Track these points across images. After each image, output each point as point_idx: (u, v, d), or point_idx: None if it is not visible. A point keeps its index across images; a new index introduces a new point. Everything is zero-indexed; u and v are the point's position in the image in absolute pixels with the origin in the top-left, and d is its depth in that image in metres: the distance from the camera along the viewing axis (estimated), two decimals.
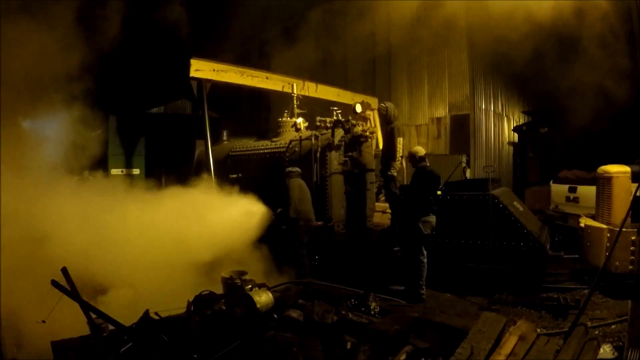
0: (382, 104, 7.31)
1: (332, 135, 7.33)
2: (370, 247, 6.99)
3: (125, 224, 5.37)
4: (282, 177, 6.94)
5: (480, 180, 7.47)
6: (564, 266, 7.10)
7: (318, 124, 7.81)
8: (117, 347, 3.31)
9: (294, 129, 8.46)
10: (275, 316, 4.14)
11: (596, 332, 4.36)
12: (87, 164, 7.22)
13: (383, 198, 8.20)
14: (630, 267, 5.44)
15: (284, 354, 3.37)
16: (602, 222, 6.25)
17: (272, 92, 10.23)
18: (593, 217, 6.74)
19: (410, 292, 5.96)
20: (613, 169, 6.17)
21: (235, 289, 4.54)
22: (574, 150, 11.37)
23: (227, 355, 3.41)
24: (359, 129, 7.49)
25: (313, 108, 9.28)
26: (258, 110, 16.19)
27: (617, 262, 5.57)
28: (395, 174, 7.05)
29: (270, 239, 6.46)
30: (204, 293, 4.25)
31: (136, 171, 13.02)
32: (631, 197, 3.48)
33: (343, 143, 7.44)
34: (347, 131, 7.42)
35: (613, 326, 4.66)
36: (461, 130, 13.22)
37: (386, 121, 7.26)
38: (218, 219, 5.94)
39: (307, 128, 8.46)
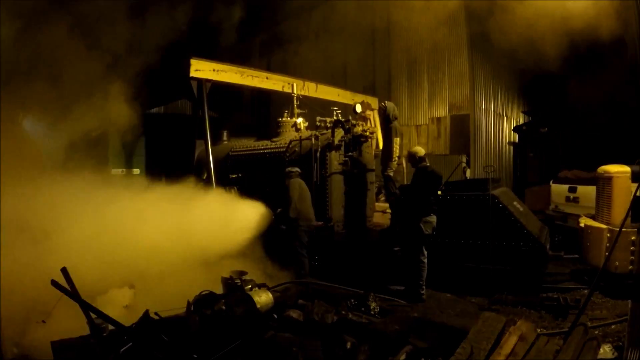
0: (382, 104, 7.31)
1: (332, 135, 7.33)
2: (370, 247, 6.99)
3: (125, 224, 5.37)
4: (282, 177, 6.94)
5: (480, 180, 7.47)
6: (564, 266, 7.10)
7: (318, 124, 7.81)
8: (117, 347, 3.30)
9: (294, 129, 8.46)
10: (275, 316, 4.14)
11: (596, 332, 4.36)
12: (88, 164, 7.23)
13: (383, 198, 8.20)
14: (630, 267, 5.44)
15: (284, 354, 3.37)
16: (602, 222, 6.25)
17: (272, 92, 10.23)
18: (593, 217, 6.74)
19: (410, 292, 5.96)
20: (613, 169, 6.17)
21: (235, 289, 4.54)
22: (574, 150, 11.37)
23: (227, 355, 3.41)
24: (359, 129, 7.49)
25: (313, 108, 9.28)
26: (258, 110, 16.19)
27: (617, 262, 5.57)
28: (392, 174, 7.04)
29: (270, 239, 6.46)
30: (204, 293, 4.25)
31: (136, 171, 13.02)
32: (631, 197, 3.47)
33: (343, 143, 7.44)
34: (347, 131, 7.43)
35: (613, 326, 4.66)
36: (461, 130, 13.22)
37: (385, 121, 7.26)
38: (218, 219, 5.94)
39: (307, 128, 8.46)
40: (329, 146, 7.36)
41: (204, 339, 3.57)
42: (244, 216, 6.13)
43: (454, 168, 8.34)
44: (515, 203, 6.89)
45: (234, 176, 8.40)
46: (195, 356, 3.32)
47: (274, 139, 8.47)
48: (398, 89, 14.63)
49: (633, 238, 5.36)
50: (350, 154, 7.42)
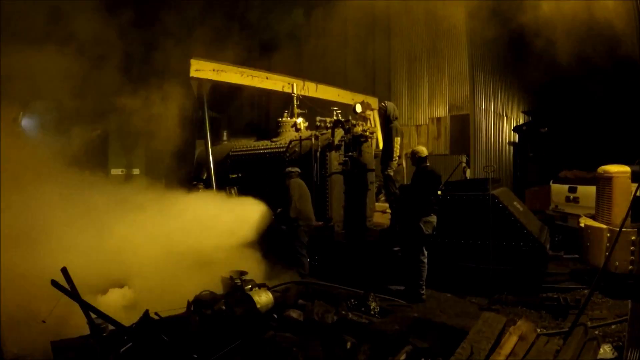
0: (382, 104, 7.31)
1: (332, 135, 7.33)
2: (370, 247, 6.99)
3: (125, 223, 5.37)
4: (282, 177, 6.94)
5: (480, 180, 7.47)
6: (564, 266, 7.10)
7: (318, 124, 7.81)
8: (117, 347, 3.31)
9: (294, 129, 8.46)
10: (275, 316, 4.14)
11: (596, 332, 4.36)
12: (88, 164, 7.24)
13: (383, 198, 8.20)
14: (630, 267, 5.44)
15: (284, 354, 3.37)
16: (602, 222, 6.25)
17: (272, 92, 10.23)
18: (593, 217, 6.74)
19: (410, 292, 5.96)
20: (613, 169, 6.17)
21: (235, 289, 4.54)
22: (574, 150, 11.37)
23: (227, 355, 3.41)
24: (359, 129, 7.49)
25: (313, 108, 9.28)
26: (258, 110, 16.18)
27: (617, 262, 5.57)
28: (392, 173, 7.05)
29: (270, 239, 6.46)
30: (204, 293, 4.25)
31: (136, 171, 13.01)
32: (631, 197, 3.48)
33: (343, 143, 7.44)
34: (347, 131, 7.43)
35: (613, 326, 4.66)
36: (461, 130, 13.22)
37: (386, 121, 7.26)
38: (218, 218, 5.94)
39: (307, 128, 8.46)
40: (329, 146, 7.36)
41: (204, 339, 3.57)
42: (244, 216, 6.13)
43: (454, 168, 8.34)
44: (515, 203, 6.89)
45: (234, 176, 8.40)
46: (195, 356, 3.32)
47: (274, 139, 8.47)
48: (398, 89, 14.62)
49: (633, 238, 5.36)
50: (350, 154, 7.42)
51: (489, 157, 13.55)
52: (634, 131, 8.67)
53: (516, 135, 14.48)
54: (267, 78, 9.79)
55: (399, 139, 7.00)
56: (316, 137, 7.42)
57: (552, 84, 12.49)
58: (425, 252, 6.00)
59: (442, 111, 13.82)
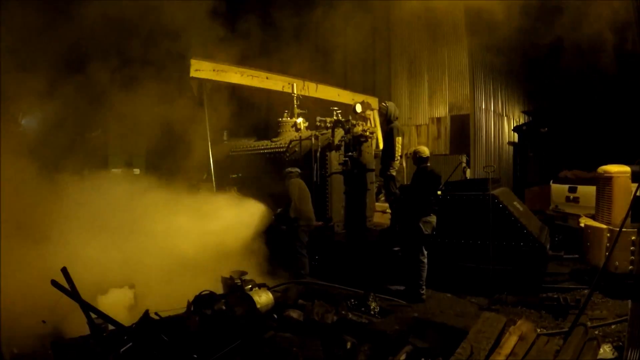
0: (383, 104, 7.31)
1: (332, 135, 7.33)
2: (370, 247, 6.99)
3: (125, 223, 5.37)
4: (282, 177, 6.94)
5: (480, 180, 7.47)
6: (564, 266, 7.10)
7: (318, 124, 7.81)
8: (117, 347, 3.31)
9: (294, 129, 8.46)
10: (275, 316, 4.15)
11: (596, 332, 4.36)
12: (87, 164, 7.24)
13: (383, 198, 8.20)
14: (630, 267, 5.44)
15: (284, 354, 3.37)
16: (602, 222, 6.25)
17: (272, 92, 10.22)
18: (593, 217, 6.73)
19: (410, 292, 5.96)
20: (613, 169, 6.16)
21: (235, 289, 4.54)
22: (574, 150, 11.37)
23: (227, 355, 3.41)
24: (359, 129, 7.49)
25: (313, 108, 9.28)
26: (258, 110, 16.17)
27: (617, 262, 5.56)
28: (394, 173, 7.05)
29: (270, 239, 6.46)
30: (204, 293, 4.26)
31: (136, 171, 13.01)
32: (631, 197, 3.47)
33: (343, 143, 7.44)
34: (347, 131, 7.42)
35: (613, 326, 4.66)
36: (461, 130, 13.22)
37: (386, 121, 7.26)
38: (218, 219, 5.94)
39: (307, 128, 8.46)
40: (329, 146, 7.36)
41: (204, 339, 3.57)
42: (244, 216, 6.14)
43: (454, 168, 8.33)
44: (515, 203, 6.89)
45: (234, 176, 8.40)
46: (195, 356, 3.32)
47: (274, 139, 8.47)
48: (398, 89, 14.62)
49: (633, 238, 5.36)
50: (350, 154, 7.41)
51: (489, 157, 13.55)
52: (634, 131, 8.67)
53: (516, 135, 14.48)
54: (267, 78, 9.79)
55: (400, 138, 7.00)
56: (316, 137, 7.42)
57: (552, 84, 12.50)
58: (425, 252, 6.00)
59: (442, 111, 13.82)
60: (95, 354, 3.29)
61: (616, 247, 4.61)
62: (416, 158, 6.26)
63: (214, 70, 8.70)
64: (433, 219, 5.99)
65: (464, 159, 10.92)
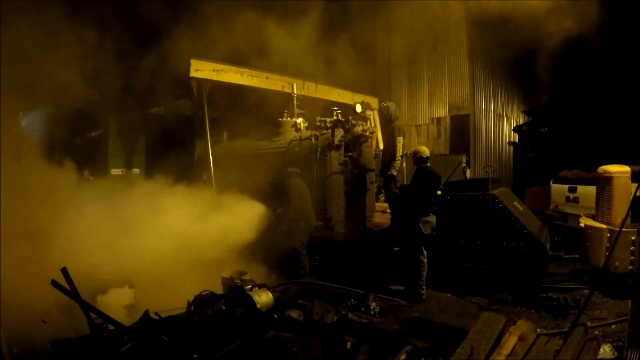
0: (384, 104, 7.32)
1: (332, 135, 7.32)
2: (370, 247, 6.99)
3: (125, 223, 5.38)
4: (282, 177, 6.94)
5: (480, 180, 7.47)
6: (564, 266, 7.10)
7: (318, 124, 7.81)
8: (117, 347, 3.31)
9: (294, 129, 8.46)
10: (275, 316, 4.14)
11: (596, 332, 4.36)
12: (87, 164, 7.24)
13: (383, 198, 8.19)
14: (630, 267, 5.43)
15: (284, 354, 3.37)
16: (602, 222, 6.25)
17: (272, 92, 10.22)
18: (593, 217, 6.73)
19: (410, 292, 5.96)
20: (613, 169, 6.16)
21: (235, 289, 4.54)
22: (574, 150, 11.37)
23: (227, 355, 3.41)
24: (359, 129, 7.49)
25: (313, 108, 9.27)
26: (258, 110, 16.16)
27: (617, 262, 5.56)
28: (395, 173, 7.05)
29: (270, 239, 6.46)
30: (204, 293, 4.26)
31: (136, 171, 13.01)
32: (631, 197, 3.47)
33: (343, 143, 7.44)
34: (347, 131, 7.42)
35: (613, 326, 4.67)
36: (461, 130, 13.22)
37: (387, 121, 7.27)
38: (218, 219, 5.94)
39: (307, 128, 8.46)
40: (329, 146, 7.35)
41: (204, 339, 3.57)
42: (244, 216, 6.14)
43: (454, 168, 8.34)
44: (515, 203, 6.89)
45: (234, 176, 8.39)
46: (195, 356, 3.32)
47: (274, 139, 8.46)
48: (398, 89, 14.62)
49: (633, 238, 5.35)
50: (350, 154, 7.41)
51: (489, 157, 13.55)
52: (634, 131, 8.68)
53: (516, 135, 14.48)
54: (267, 78, 9.79)
55: (401, 138, 7.00)
56: (316, 137, 7.42)
57: (552, 84, 12.50)
58: (425, 252, 6.00)
59: (442, 111, 13.83)
60: (95, 354, 3.29)
61: (616, 247, 4.61)
62: (416, 158, 6.26)
63: (213, 70, 8.71)
64: (433, 219, 5.98)
65: (464, 159, 10.92)
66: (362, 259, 6.82)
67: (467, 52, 13.07)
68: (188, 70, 8.34)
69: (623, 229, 3.92)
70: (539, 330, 4.20)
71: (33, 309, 3.86)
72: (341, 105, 9.06)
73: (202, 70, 8.51)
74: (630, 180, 5.98)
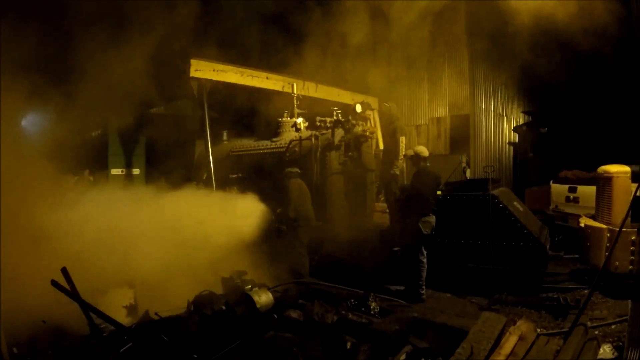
0: (386, 104, 7.35)
1: (332, 135, 7.33)
2: (370, 247, 6.99)
3: (125, 223, 5.37)
4: (281, 177, 6.94)
5: (480, 180, 7.47)
6: (564, 266, 7.11)
7: (318, 124, 7.81)
8: (117, 347, 3.31)
9: (294, 129, 8.46)
10: (275, 316, 4.15)
11: (596, 332, 4.36)
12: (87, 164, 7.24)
13: (383, 198, 8.20)
14: (630, 267, 5.44)
15: (284, 354, 3.37)
16: (602, 222, 6.25)
17: (272, 92, 10.23)
18: (593, 217, 6.74)
19: (410, 292, 5.96)
20: (613, 169, 6.16)
21: (235, 289, 4.54)
22: (574, 150, 11.37)
23: (227, 355, 3.41)
24: (359, 129, 7.49)
25: (313, 108, 9.27)
26: (258, 110, 16.17)
27: (617, 262, 5.56)
28: (398, 172, 7.06)
29: (270, 238, 6.46)
30: (204, 293, 4.26)
31: (136, 171, 13.01)
32: (631, 197, 3.47)
33: (343, 143, 7.44)
34: (347, 131, 7.42)
35: (613, 326, 4.66)
36: (461, 130, 13.21)
37: (388, 121, 7.29)
38: (218, 219, 5.93)
39: (307, 128, 8.46)
40: (329, 146, 7.36)
41: (204, 339, 3.57)
42: (243, 216, 6.13)
43: (454, 168, 8.34)
44: (515, 203, 6.89)
45: (234, 176, 8.40)
46: (195, 356, 3.32)
47: (274, 139, 8.47)
48: (398, 89, 14.61)
49: (633, 238, 5.36)
50: (350, 154, 7.41)
51: (489, 157, 13.54)
52: (634, 131, 8.68)
53: (516, 135, 14.47)
54: (267, 78, 9.78)
55: (404, 137, 7.02)
56: (316, 137, 7.42)
57: (552, 84, 12.49)
58: (425, 252, 6.00)
59: (442, 111, 13.82)
60: (95, 354, 3.29)
61: (616, 247, 4.62)
62: (415, 158, 6.26)
63: (213, 70, 8.70)
64: (432, 218, 5.99)
65: (464, 159, 10.92)
66: (362, 259, 6.81)
67: (467, 52, 13.07)
68: (188, 70, 8.34)
69: (623, 229, 3.93)
70: (539, 330, 4.21)
71: (33, 309, 3.85)
72: (341, 105, 9.06)
73: (202, 70, 8.51)
74: (630, 180, 5.99)
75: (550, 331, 4.40)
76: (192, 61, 8.37)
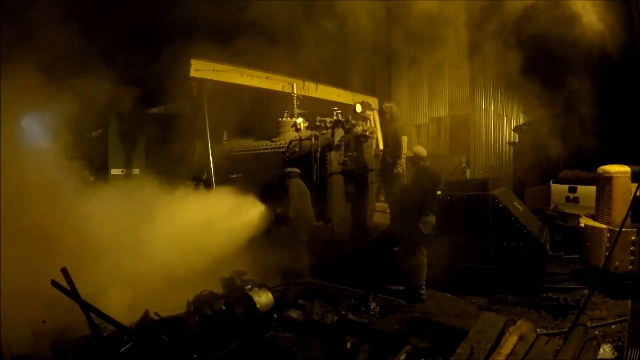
0: (387, 104, 7.35)
1: (332, 135, 7.32)
2: (370, 247, 6.99)
3: (125, 224, 5.37)
4: (281, 177, 6.94)
5: (480, 180, 7.47)
6: (564, 266, 7.11)
7: (318, 124, 7.80)
8: (117, 347, 3.31)
9: (294, 129, 8.45)
10: (275, 316, 4.15)
11: (596, 332, 4.37)
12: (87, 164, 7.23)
13: (383, 198, 8.20)
14: (630, 267, 5.44)
15: (284, 354, 3.38)
16: (602, 222, 6.25)
17: (272, 92, 10.23)
18: (593, 217, 6.74)
19: (410, 292, 5.96)
20: (613, 169, 6.17)
21: (235, 289, 4.54)
22: (574, 150, 11.38)
23: (227, 355, 3.41)
24: (359, 129, 7.49)
25: (313, 108, 9.27)
26: (258, 110, 16.17)
27: (617, 262, 5.56)
28: (401, 171, 7.07)
29: (270, 239, 6.46)
30: (204, 293, 4.26)
31: (136, 171, 13.00)
32: (631, 197, 3.48)
33: (343, 143, 7.44)
34: (347, 131, 7.42)
35: (613, 326, 4.67)
36: (461, 130, 13.22)
37: (389, 120, 7.29)
38: (218, 219, 5.94)
39: (307, 128, 8.46)
40: (329, 146, 7.35)
41: (204, 339, 3.57)
42: (244, 216, 6.14)
43: (454, 168, 8.34)
44: (515, 203, 6.89)
45: (234, 176, 8.39)
46: (195, 356, 3.32)
47: (274, 139, 8.46)
48: (398, 89, 14.62)
49: (633, 238, 5.35)
50: (350, 153, 7.41)
51: (489, 157, 13.55)
52: (633, 131, 8.67)
53: (516, 135, 14.47)
54: (267, 78, 9.79)
55: (406, 137, 7.03)
56: (316, 137, 7.42)
57: (552, 84, 12.49)
58: (425, 252, 6.00)
59: (442, 111, 13.83)
60: (95, 354, 3.29)
61: (616, 247, 4.62)
62: (415, 158, 6.27)
63: (213, 70, 8.70)
64: (432, 218, 5.99)
65: (464, 159, 10.92)
66: (362, 259, 6.82)
67: (467, 52, 13.08)
68: (188, 70, 8.34)
69: (623, 229, 3.93)
70: (539, 330, 4.21)
71: (33, 309, 3.85)
72: (341, 105, 9.06)
73: (202, 70, 8.51)
74: (630, 180, 5.99)
75: (550, 331, 4.41)
76: (192, 61, 8.37)
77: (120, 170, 12.51)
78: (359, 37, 14.04)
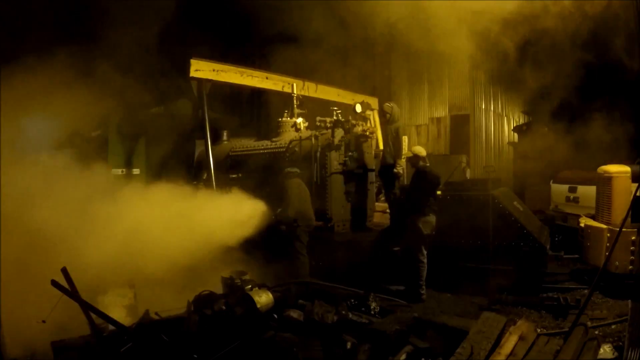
0: (388, 104, 7.35)
1: (332, 135, 7.32)
2: (370, 247, 6.99)
3: (125, 223, 5.37)
4: (281, 177, 6.94)
5: (480, 180, 7.47)
6: (564, 266, 7.10)
7: (318, 124, 7.81)
8: (117, 347, 3.31)
9: (294, 129, 8.45)
10: (275, 316, 4.15)
11: (596, 332, 4.37)
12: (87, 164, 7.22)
13: (383, 198, 8.20)
14: (630, 267, 5.44)
15: (284, 354, 3.38)
16: (602, 222, 6.26)
17: (272, 92, 10.23)
18: (593, 217, 6.74)
19: (410, 292, 5.96)
20: (613, 169, 6.17)
21: (235, 289, 4.54)
22: (574, 150, 11.37)
23: (227, 355, 3.41)
24: (359, 129, 7.49)
25: (313, 108, 9.28)
26: (258, 110, 16.18)
27: (617, 262, 5.57)
28: (402, 171, 7.07)
29: (270, 239, 6.46)
30: (204, 293, 4.26)
31: (136, 171, 13.00)
32: (631, 197, 3.48)
33: (343, 143, 7.44)
34: (347, 131, 7.43)
35: (613, 326, 4.67)
36: (461, 130, 13.22)
37: (390, 121, 7.29)
38: (218, 219, 5.94)
39: (307, 128, 8.46)
40: (329, 146, 7.35)
41: (204, 339, 3.57)
42: (243, 216, 6.14)
43: (454, 168, 8.34)
44: (515, 203, 6.89)
45: (234, 176, 8.39)
46: (195, 356, 3.32)
47: (274, 139, 8.46)
48: (398, 89, 14.61)
49: (633, 238, 5.36)
50: (350, 153, 7.42)
51: (489, 157, 13.55)
52: (634, 131, 8.67)
53: (516, 135, 14.47)
54: (267, 78, 9.78)
55: (406, 137, 7.04)
56: (316, 137, 7.42)
57: (552, 84, 12.48)
58: (425, 252, 6.00)
59: (442, 111, 13.83)
60: (95, 354, 3.30)
61: (616, 247, 4.61)
62: (414, 158, 6.26)
63: (213, 70, 8.70)
64: (432, 218, 5.99)
65: (464, 159, 10.93)
66: (362, 259, 6.81)
67: (467, 52, 13.05)
68: (188, 70, 8.34)
69: (623, 229, 3.93)
70: (539, 330, 4.21)
71: (33, 309, 3.85)
72: (341, 105, 9.06)
73: (202, 70, 8.51)
74: (630, 180, 5.99)
75: (550, 331, 4.41)
76: (192, 61, 8.37)
77: (120, 170, 12.51)
78: (359, 36, 14.04)
